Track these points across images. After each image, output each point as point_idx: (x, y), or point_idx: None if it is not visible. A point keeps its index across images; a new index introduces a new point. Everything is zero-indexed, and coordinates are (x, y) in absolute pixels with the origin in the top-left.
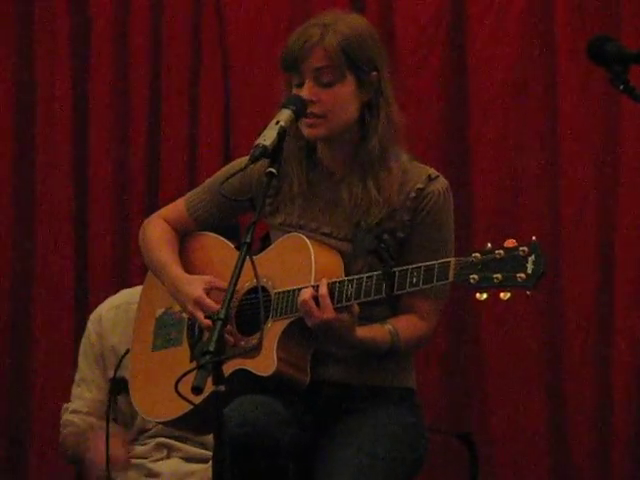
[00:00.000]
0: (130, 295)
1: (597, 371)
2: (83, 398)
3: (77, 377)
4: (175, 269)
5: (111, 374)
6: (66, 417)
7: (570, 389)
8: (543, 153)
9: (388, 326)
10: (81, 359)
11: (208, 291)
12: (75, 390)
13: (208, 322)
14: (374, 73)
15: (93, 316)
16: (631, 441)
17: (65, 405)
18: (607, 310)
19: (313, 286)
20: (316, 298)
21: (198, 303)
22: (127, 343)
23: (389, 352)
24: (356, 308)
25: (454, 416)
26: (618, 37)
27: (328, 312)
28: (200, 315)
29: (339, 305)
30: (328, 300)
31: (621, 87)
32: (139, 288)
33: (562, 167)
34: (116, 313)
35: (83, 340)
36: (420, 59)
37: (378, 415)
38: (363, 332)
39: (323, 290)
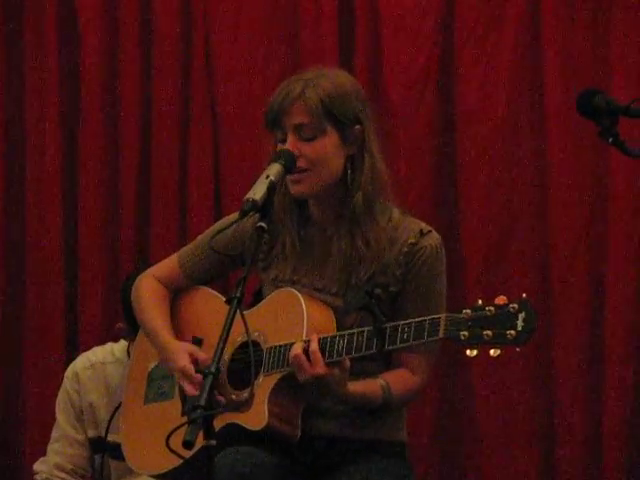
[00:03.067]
0: (104, 354)
1: (588, 421)
2: (65, 454)
3: (56, 433)
4: (163, 335)
5: (90, 432)
6: (48, 472)
7: (561, 438)
8: (533, 203)
9: (380, 381)
10: (61, 415)
11: (193, 361)
12: (54, 445)
13: (194, 391)
14: (357, 127)
15: (69, 373)
16: None
17: (43, 458)
18: (597, 365)
19: (304, 341)
20: (307, 353)
21: (184, 374)
22: (104, 402)
23: (381, 407)
24: (347, 363)
25: (447, 467)
26: (608, 87)
27: (319, 367)
28: (186, 384)
29: (330, 360)
30: (319, 355)
31: (610, 140)
32: (112, 346)
33: (552, 217)
34: (92, 372)
35: (61, 396)
36: (410, 112)
37: (370, 469)
38: (355, 387)
39: (314, 345)
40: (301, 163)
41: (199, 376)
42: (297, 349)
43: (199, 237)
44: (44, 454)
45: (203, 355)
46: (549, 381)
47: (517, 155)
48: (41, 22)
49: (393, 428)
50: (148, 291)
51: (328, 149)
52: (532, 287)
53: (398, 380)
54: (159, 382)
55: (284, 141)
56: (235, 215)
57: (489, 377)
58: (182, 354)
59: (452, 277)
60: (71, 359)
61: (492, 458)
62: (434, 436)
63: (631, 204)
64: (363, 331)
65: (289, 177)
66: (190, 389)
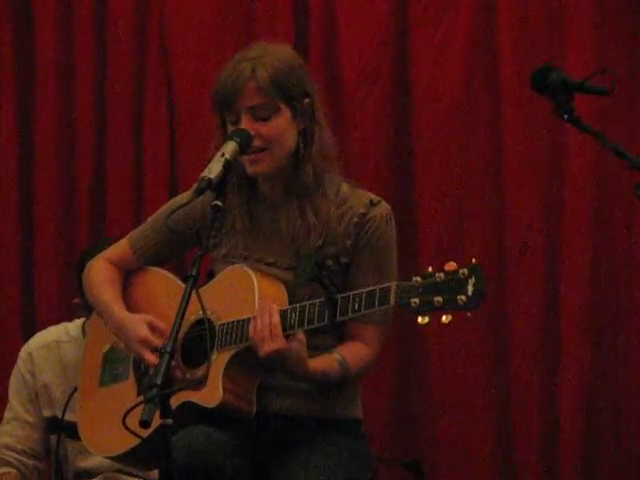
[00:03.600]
0: (59, 333)
1: (544, 396)
2: (16, 435)
3: (9, 414)
4: (118, 310)
5: (46, 412)
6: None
7: (517, 416)
8: (488, 181)
9: (336, 355)
10: (13, 397)
11: (152, 330)
12: (5, 426)
13: (154, 359)
14: (306, 100)
15: (23, 353)
16: (577, 468)
17: None
18: (553, 335)
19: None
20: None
21: (143, 342)
22: (60, 382)
23: (339, 381)
24: (302, 335)
25: (402, 445)
26: (563, 65)
27: (279, 341)
28: (145, 353)
29: (285, 334)
30: (280, 329)
31: (565, 117)
32: (66, 325)
33: (507, 195)
34: (47, 351)
35: (14, 378)
36: (365, 91)
37: (326, 446)
38: (314, 364)
39: (275, 319)
40: (257, 142)
41: (158, 341)
42: (254, 327)
43: (150, 218)
44: None
45: (162, 324)
46: (504, 351)
47: (473, 132)
48: None
49: (348, 405)
50: (99, 272)
51: (283, 126)
52: (487, 261)
53: (354, 354)
54: (114, 364)
55: (236, 123)
56: (187, 194)
57: (444, 352)
58: (140, 324)
59: (408, 252)
60: (29, 339)
61: (449, 428)
62: (390, 410)
63: (586, 180)
64: (315, 303)
65: (246, 157)
66: (151, 358)
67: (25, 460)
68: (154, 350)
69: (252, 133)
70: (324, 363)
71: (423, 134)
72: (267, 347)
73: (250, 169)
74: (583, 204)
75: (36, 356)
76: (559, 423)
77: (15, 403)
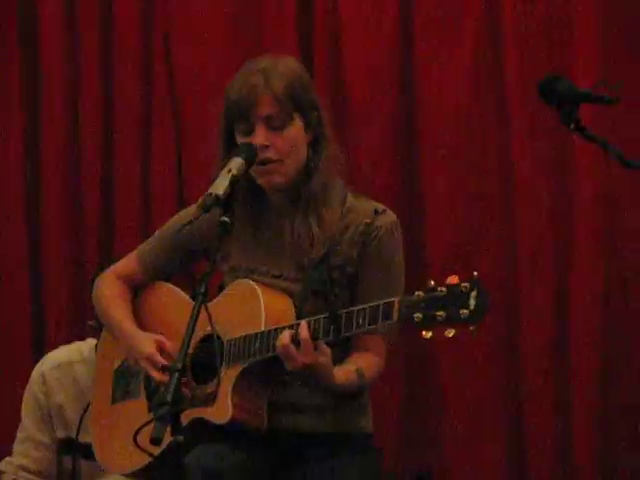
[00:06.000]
0: (70, 353)
1: (556, 412)
2: (30, 456)
3: (22, 435)
4: (127, 326)
5: (59, 433)
6: (14, 472)
7: (529, 430)
8: (498, 195)
9: (353, 366)
10: (27, 417)
11: (160, 349)
12: (19, 447)
13: (161, 377)
14: (315, 113)
15: (35, 374)
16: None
17: (8, 458)
18: (564, 349)
19: (291, 326)
20: (296, 341)
21: (150, 360)
22: (73, 402)
23: (357, 392)
24: (327, 349)
25: (413, 458)
26: (567, 74)
27: (310, 356)
28: (152, 371)
29: None
30: (310, 343)
31: (571, 126)
32: (78, 345)
33: (517, 208)
34: (59, 372)
35: (27, 398)
36: (372, 105)
37: (338, 462)
38: (337, 374)
39: (305, 333)
40: (272, 154)
41: (164, 360)
42: (285, 338)
43: (157, 233)
44: (9, 453)
45: (170, 344)
46: (517, 363)
47: (480, 143)
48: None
49: (360, 419)
50: (109, 288)
51: (297, 137)
52: (499, 275)
53: (368, 364)
54: (125, 381)
55: (249, 133)
56: (193, 208)
57: (456, 366)
58: (148, 342)
59: (417, 263)
60: (39, 357)
61: (460, 439)
62: (401, 422)
63: (595, 187)
64: (320, 319)
65: (259, 169)
66: (157, 375)
67: None
68: (162, 369)
69: (266, 144)
70: (345, 375)
71: (430, 145)
72: (296, 361)
73: (264, 180)
74: (593, 213)
75: (49, 377)
76: (572, 437)
77: (29, 423)
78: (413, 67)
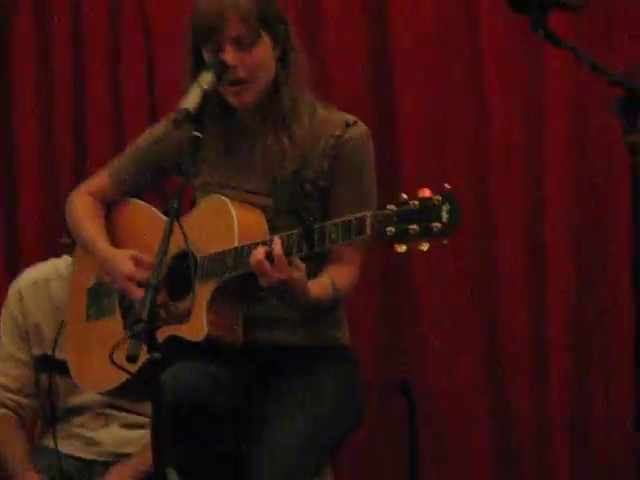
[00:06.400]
0: (47, 270)
1: (532, 318)
2: (9, 374)
3: (1, 353)
4: (101, 244)
5: (35, 351)
6: None
7: (504, 337)
8: (469, 100)
9: (327, 280)
10: (5, 336)
11: (136, 265)
12: (0, 366)
13: (140, 294)
14: (283, 26)
15: (12, 291)
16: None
17: None
18: (539, 252)
19: (264, 242)
20: (269, 257)
21: (129, 278)
22: (49, 320)
23: (331, 304)
24: (299, 263)
25: (391, 369)
26: None
27: (285, 271)
28: (131, 288)
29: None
30: (284, 259)
31: (541, 33)
32: (55, 262)
33: (488, 114)
34: (36, 289)
35: (4, 316)
36: (342, 12)
37: (316, 375)
38: (312, 289)
39: (278, 249)
40: (241, 74)
41: (145, 275)
42: (259, 255)
43: (128, 148)
44: None
45: (147, 257)
46: (492, 272)
47: (451, 50)
48: None
49: (336, 332)
50: (81, 205)
51: (265, 55)
52: (470, 182)
53: (341, 276)
54: (99, 298)
55: (216, 52)
56: (163, 123)
57: (431, 275)
58: (125, 259)
59: (390, 176)
60: (12, 276)
61: (437, 350)
62: (377, 335)
63: (565, 100)
64: (292, 234)
65: (230, 89)
66: (136, 292)
67: (21, 400)
68: (140, 285)
69: (236, 63)
70: (320, 288)
71: (401, 51)
72: (271, 277)
73: (235, 100)
74: (564, 126)
75: (25, 294)
76: (547, 343)
77: (7, 341)
78: None
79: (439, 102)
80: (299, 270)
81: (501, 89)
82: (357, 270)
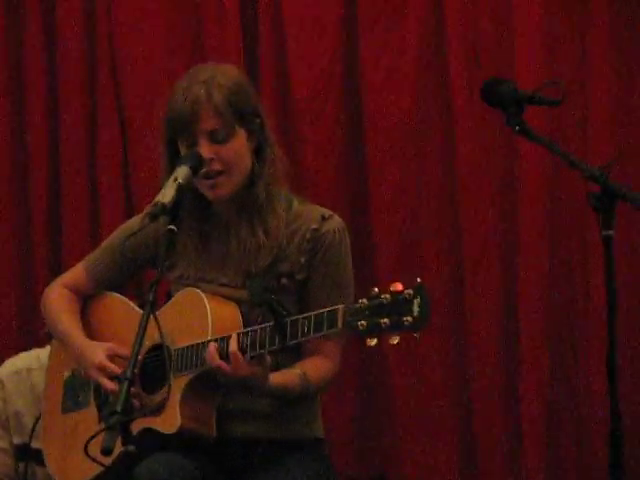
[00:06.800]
0: (29, 360)
1: (506, 406)
2: None
3: None
4: (76, 336)
5: (16, 439)
6: None
7: (480, 426)
8: (443, 194)
9: (297, 370)
10: None
11: (111, 357)
12: None
13: (112, 386)
14: (257, 120)
15: None
16: (542, 472)
17: None
18: (513, 346)
19: (216, 340)
20: (224, 354)
21: (100, 369)
22: (30, 409)
23: (300, 396)
24: (268, 359)
25: (366, 462)
26: (512, 73)
27: (241, 368)
28: (103, 380)
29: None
30: (239, 356)
31: (517, 128)
32: (38, 352)
33: (462, 210)
34: (18, 379)
35: None
36: (316, 107)
37: (290, 469)
38: (275, 379)
39: (234, 346)
40: (216, 166)
41: (116, 368)
42: (213, 355)
43: (104, 242)
44: None
45: (122, 350)
46: (465, 362)
47: (426, 146)
48: None
49: (310, 425)
50: (57, 298)
51: (240, 148)
52: (446, 278)
53: (313, 368)
54: (75, 391)
55: (193, 145)
56: (139, 217)
57: (406, 366)
58: (98, 351)
59: (366, 267)
60: None
61: (412, 442)
62: (353, 427)
63: (540, 189)
64: (265, 327)
65: (205, 182)
66: (108, 385)
67: None
68: (112, 377)
69: (211, 156)
70: (284, 378)
71: (376, 148)
72: (226, 374)
73: (210, 193)
74: (538, 212)
75: (7, 383)
76: (521, 431)
77: None
78: (357, 72)
79: (414, 194)
80: (260, 365)
81: (475, 180)
82: (334, 363)
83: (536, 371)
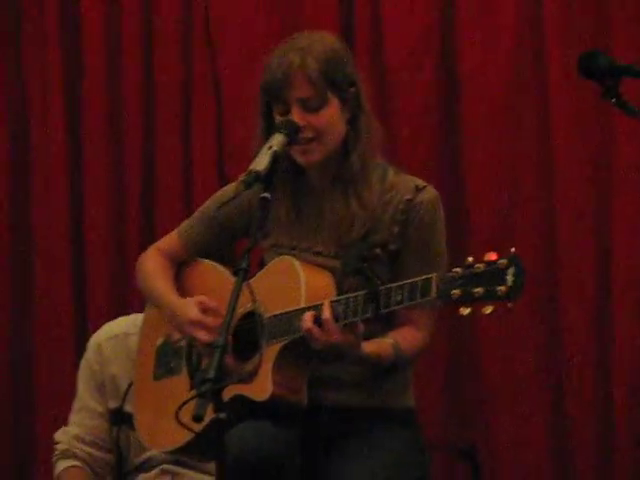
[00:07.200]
0: (127, 324)
1: (598, 382)
2: (85, 425)
3: (78, 404)
4: (170, 296)
5: (111, 404)
6: (68, 442)
7: (571, 399)
8: (538, 169)
9: (389, 340)
10: (82, 386)
11: (203, 310)
12: (75, 416)
13: (207, 338)
14: (352, 89)
15: (92, 343)
16: (631, 454)
17: (64, 428)
18: (606, 321)
19: (309, 308)
20: (319, 321)
21: (194, 323)
22: (126, 374)
23: (393, 365)
24: (361, 327)
25: (456, 432)
26: (609, 47)
27: (334, 335)
28: (199, 333)
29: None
30: (333, 324)
31: (613, 101)
32: (136, 316)
33: (557, 180)
34: (115, 343)
35: (83, 367)
36: (411, 77)
37: (381, 437)
38: (369, 348)
39: (326, 313)
40: (308, 133)
41: (210, 320)
42: (308, 322)
43: (199, 210)
44: (55, 423)
45: (213, 303)
46: (557, 337)
47: (521, 119)
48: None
49: (401, 395)
50: (151, 263)
51: (333, 117)
52: (538, 249)
53: (406, 337)
54: (167, 358)
55: (285, 113)
56: (234, 185)
57: (497, 339)
58: (190, 306)
59: (458, 239)
60: (81, 334)
61: (503, 419)
62: (443, 399)
63: (636, 166)
64: (358, 295)
65: (297, 148)
66: (203, 337)
67: (94, 452)
68: (206, 331)
69: (303, 124)
70: (377, 347)
71: (471, 120)
72: (319, 341)
73: (302, 159)
74: (633, 186)
75: (105, 347)
76: (613, 404)
77: (84, 393)
78: (453, 42)
79: (509, 166)
80: (354, 333)
81: (570, 154)
82: (425, 335)
83: (629, 346)
